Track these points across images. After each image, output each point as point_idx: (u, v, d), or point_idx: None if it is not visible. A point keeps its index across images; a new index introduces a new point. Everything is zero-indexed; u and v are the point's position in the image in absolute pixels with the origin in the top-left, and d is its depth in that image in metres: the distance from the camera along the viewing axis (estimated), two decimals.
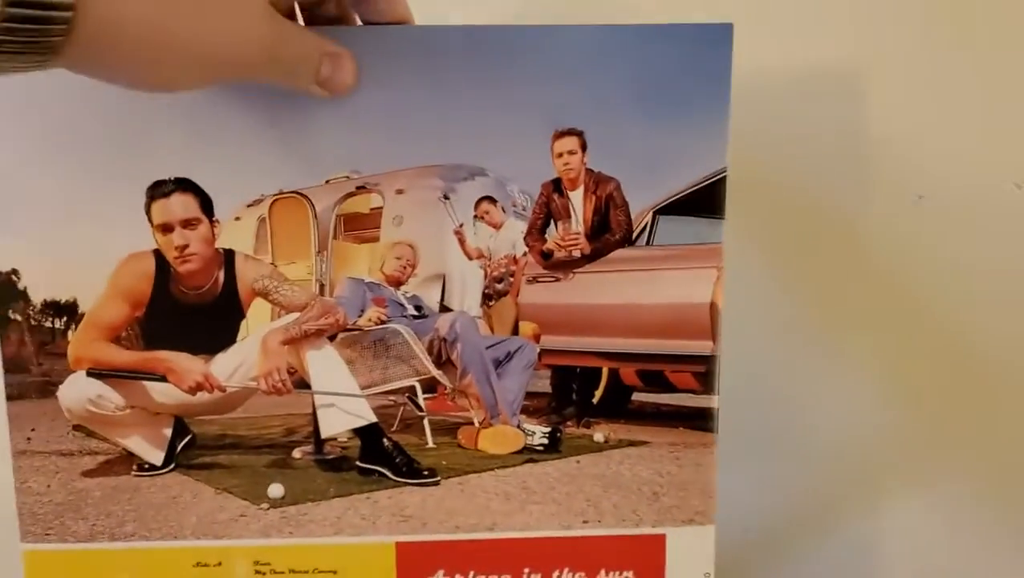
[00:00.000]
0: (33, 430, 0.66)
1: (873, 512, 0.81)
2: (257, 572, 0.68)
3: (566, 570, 0.69)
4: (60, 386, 0.65)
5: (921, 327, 0.79)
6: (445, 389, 0.71)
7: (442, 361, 0.70)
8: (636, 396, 0.71)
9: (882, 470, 0.81)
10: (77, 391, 0.65)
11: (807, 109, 0.74)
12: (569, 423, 0.70)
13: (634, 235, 0.67)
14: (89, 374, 0.65)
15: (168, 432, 0.69)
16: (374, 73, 0.60)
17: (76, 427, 0.67)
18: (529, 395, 0.71)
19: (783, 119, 0.73)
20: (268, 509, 0.67)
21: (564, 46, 0.62)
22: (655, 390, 0.71)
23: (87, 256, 0.64)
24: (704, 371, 0.67)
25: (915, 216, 0.76)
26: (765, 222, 0.75)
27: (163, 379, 0.66)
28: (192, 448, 0.68)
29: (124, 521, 0.67)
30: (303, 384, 0.68)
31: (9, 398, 0.65)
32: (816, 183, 0.75)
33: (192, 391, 0.66)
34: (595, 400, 0.72)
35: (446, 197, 0.66)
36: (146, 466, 0.68)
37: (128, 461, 0.68)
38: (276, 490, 0.68)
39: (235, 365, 0.67)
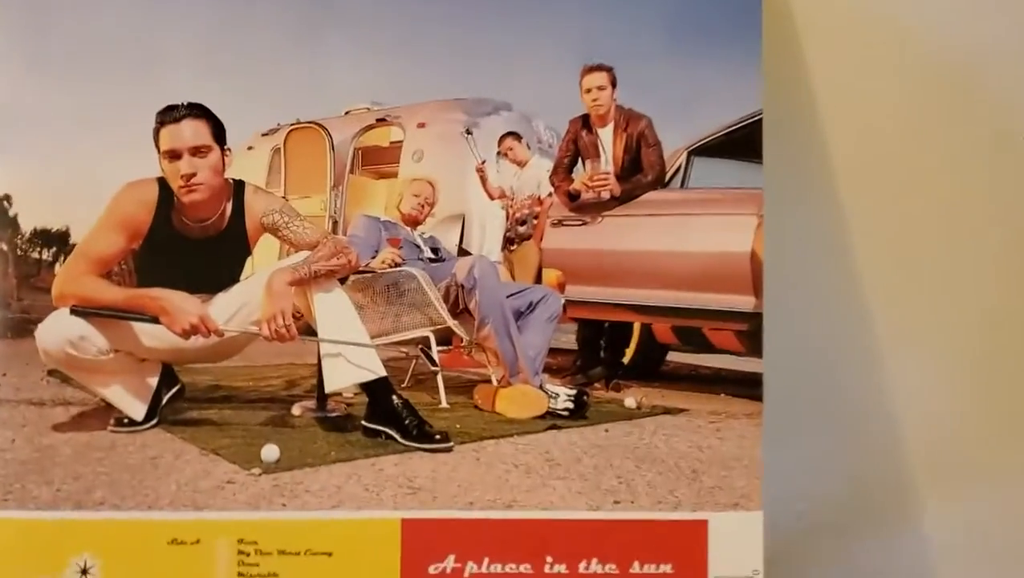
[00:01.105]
0: (3, 375, 0.60)
1: (942, 501, 0.70)
2: (241, 552, 0.59)
3: (595, 561, 0.61)
4: (39, 325, 0.59)
5: (1005, 296, 0.67)
6: (461, 342, 0.66)
7: (459, 310, 0.65)
8: (671, 356, 0.66)
9: (952, 454, 0.71)
10: (58, 330, 0.59)
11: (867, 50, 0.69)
12: (597, 385, 0.65)
13: (667, 177, 0.65)
14: (73, 312, 0.60)
15: (154, 381, 0.62)
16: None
17: (51, 372, 0.60)
18: (552, 352, 0.65)
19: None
20: (260, 475, 0.60)
21: None
22: (692, 350, 0.66)
23: (86, 182, 0.60)
24: (747, 330, 0.62)
25: (1006, 162, 0.66)
26: (819, 166, 0.68)
27: (155, 320, 0.61)
28: (180, 400, 0.62)
29: (94, 486, 0.59)
30: (309, 331, 0.62)
31: None
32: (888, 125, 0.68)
33: (186, 334, 0.60)
34: (626, 360, 0.66)
35: (469, 132, 0.63)
36: (125, 421, 0.61)
37: (105, 414, 0.61)
38: (271, 452, 0.60)
39: (236, 307, 0.62)
